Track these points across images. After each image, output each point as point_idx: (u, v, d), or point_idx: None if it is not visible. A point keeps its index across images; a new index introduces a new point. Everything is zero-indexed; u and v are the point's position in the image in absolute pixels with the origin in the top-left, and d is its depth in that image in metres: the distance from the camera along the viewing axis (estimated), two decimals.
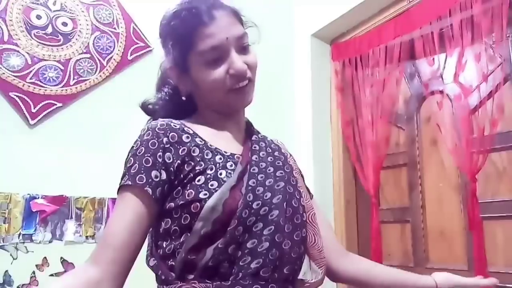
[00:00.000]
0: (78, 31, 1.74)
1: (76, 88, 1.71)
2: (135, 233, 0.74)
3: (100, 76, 1.75)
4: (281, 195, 0.79)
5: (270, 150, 0.89)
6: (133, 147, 0.78)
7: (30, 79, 1.64)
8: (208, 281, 0.71)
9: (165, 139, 0.76)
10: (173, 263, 0.74)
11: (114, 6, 1.83)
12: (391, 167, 1.88)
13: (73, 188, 1.66)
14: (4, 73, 1.60)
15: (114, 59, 1.79)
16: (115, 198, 1.77)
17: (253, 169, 0.79)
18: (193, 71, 0.82)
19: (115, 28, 1.81)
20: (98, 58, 1.76)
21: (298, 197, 0.84)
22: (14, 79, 1.61)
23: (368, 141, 1.85)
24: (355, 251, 2.00)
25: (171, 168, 0.75)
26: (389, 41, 1.85)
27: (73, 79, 1.71)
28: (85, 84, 1.73)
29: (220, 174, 0.76)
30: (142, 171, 0.74)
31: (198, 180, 0.74)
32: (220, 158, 0.79)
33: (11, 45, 1.62)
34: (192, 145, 0.78)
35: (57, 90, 1.68)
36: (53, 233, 1.60)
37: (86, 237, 1.65)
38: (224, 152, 0.80)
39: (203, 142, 0.80)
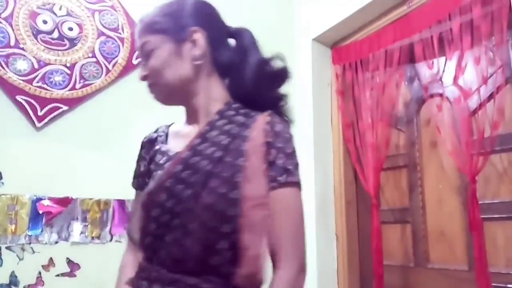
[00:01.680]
0: (83, 35, 1.78)
1: (82, 91, 1.74)
2: None
3: (106, 80, 1.78)
4: (193, 190, 0.79)
5: (221, 138, 0.85)
6: None
7: (37, 82, 1.67)
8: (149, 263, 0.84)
9: (142, 151, 1.01)
10: None
11: (119, 11, 1.86)
12: (391, 169, 1.90)
13: (79, 189, 1.68)
14: (11, 77, 1.63)
15: (119, 63, 1.82)
16: (120, 200, 1.81)
17: (179, 168, 0.82)
18: None
19: (120, 33, 1.84)
20: (103, 62, 1.79)
21: (226, 190, 0.78)
22: (20, 83, 1.64)
23: (368, 143, 1.87)
24: (356, 252, 2.02)
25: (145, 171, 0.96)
26: (389, 45, 1.87)
27: (79, 82, 1.74)
28: (91, 88, 1.76)
29: (157, 173, 0.88)
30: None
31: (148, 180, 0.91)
32: (163, 159, 0.89)
33: (17, 50, 1.66)
34: (155, 152, 0.94)
35: (63, 94, 1.71)
36: (59, 234, 1.63)
37: (92, 237, 1.67)
38: (170, 152, 0.90)
39: (161, 147, 0.94)
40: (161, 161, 0.89)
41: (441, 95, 1.69)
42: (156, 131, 1.01)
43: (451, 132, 1.59)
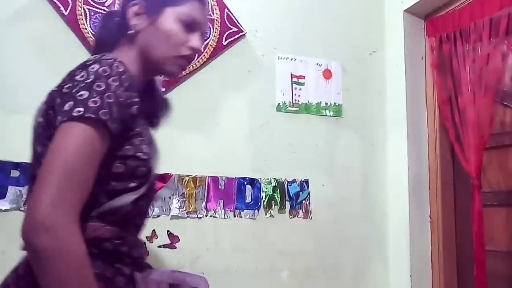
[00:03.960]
0: None
1: None
2: (96, 170, 0.73)
3: (199, 61, 1.84)
4: None
5: None
6: (84, 78, 0.73)
7: None
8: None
9: (127, 90, 0.77)
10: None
11: None
12: (495, 148, 1.76)
13: (177, 166, 1.77)
14: None
15: (210, 45, 1.87)
16: (214, 176, 1.87)
17: None
18: (163, 18, 0.88)
19: (210, 15, 1.88)
20: None
21: None
22: None
23: (469, 120, 1.75)
24: (453, 236, 1.92)
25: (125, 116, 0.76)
26: (494, 12, 1.71)
27: None
28: (185, 70, 1.82)
29: (145, 140, 0.84)
30: (105, 106, 0.71)
31: (135, 141, 0.81)
32: (142, 124, 0.86)
33: None
34: (137, 105, 0.80)
35: (160, 77, 1.79)
36: (160, 208, 1.74)
37: (189, 212, 1.77)
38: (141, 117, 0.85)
39: (139, 103, 0.81)
40: (146, 142, 0.85)
41: None
42: (122, 71, 0.78)
43: None
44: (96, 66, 0.75)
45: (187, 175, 1.78)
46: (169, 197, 1.75)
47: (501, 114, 1.76)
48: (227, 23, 1.90)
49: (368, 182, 2.05)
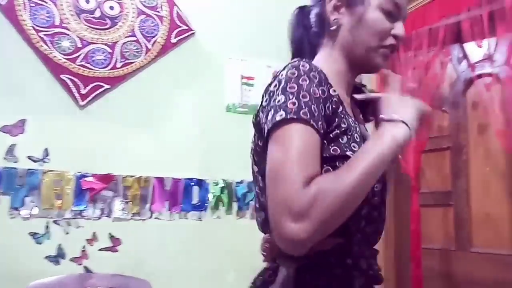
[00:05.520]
0: (124, 14, 1.79)
1: (123, 70, 1.76)
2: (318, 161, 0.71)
3: (146, 59, 1.80)
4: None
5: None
6: (276, 87, 0.73)
7: (80, 61, 1.70)
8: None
9: (319, 88, 0.73)
10: None
11: None
12: (433, 151, 1.85)
13: (121, 167, 1.72)
14: (56, 56, 1.67)
15: (158, 42, 1.82)
16: (160, 177, 1.83)
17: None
18: (365, 9, 0.82)
19: (159, 12, 1.84)
20: (143, 41, 1.80)
21: None
22: (65, 62, 1.68)
23: None
24: (392, 235, 2.00)
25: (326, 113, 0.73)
26: (433, 22, 1.80)
27: (120, 61, 1.76)
28: (131, 66, 1.77)
29: (356, 137, 0.76)
30: (303, 106, 0.69)
31: (342, 139, 0.74)
32: (353, 122, 0.79)
33: (62, 29, 1.69)
34: (336, 109, 0.75)
35: (105, 73, 1.73)
36: (101, 210, 1.68)
37: (132, 214, 1.71)
38: (351, 114, 0.81)
39: (344, 111, 0.77)
40: (352, 123, 0.78)
41: (490, 75, 1.62)
42: (309, 69, 0.75)
43: (500, 114, 1.53)
44: (284, 72, 0.74)
45: (131, 176, 1.73)
46: (111, 199, 1.69)
47: (439, 119, 1.85)
48: (177, 21, 1.87)
49: None
